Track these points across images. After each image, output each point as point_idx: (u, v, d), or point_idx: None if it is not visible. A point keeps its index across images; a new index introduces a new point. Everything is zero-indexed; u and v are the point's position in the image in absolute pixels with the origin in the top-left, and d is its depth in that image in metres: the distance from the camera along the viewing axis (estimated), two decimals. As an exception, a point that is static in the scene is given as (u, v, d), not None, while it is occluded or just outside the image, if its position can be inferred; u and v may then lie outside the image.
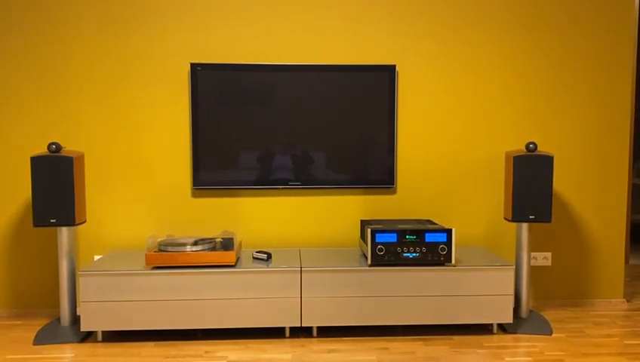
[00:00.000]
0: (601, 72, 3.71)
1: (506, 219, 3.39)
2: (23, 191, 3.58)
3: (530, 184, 3.23)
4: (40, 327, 3.38)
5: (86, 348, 3.10)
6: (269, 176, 3.60)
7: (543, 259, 3.79)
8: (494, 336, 3.24)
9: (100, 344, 3.15)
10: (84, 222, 3.28)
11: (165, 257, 3.16)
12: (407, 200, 3.72)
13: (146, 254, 3.15)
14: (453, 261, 3.21)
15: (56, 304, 3.63)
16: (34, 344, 3.15)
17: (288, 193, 3.68)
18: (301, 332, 3.31)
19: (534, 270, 3.80)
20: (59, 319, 3.29)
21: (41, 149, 3.57)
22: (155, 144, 3.60)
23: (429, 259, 3.20)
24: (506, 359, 2.92)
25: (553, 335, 3.27)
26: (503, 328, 3.35)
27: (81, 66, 3.55)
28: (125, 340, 3.20)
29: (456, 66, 3.67)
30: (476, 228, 3.75)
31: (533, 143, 3.24)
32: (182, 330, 3.30)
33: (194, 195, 3.64)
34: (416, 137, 3.69)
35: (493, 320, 3.24)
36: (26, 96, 3.54)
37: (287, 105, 3.58)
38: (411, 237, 3.20)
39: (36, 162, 3.08)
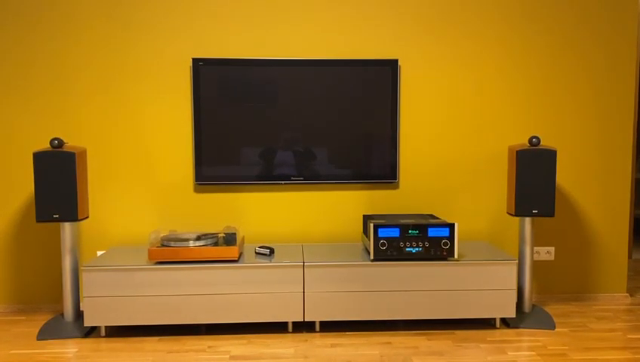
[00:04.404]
0: (604, 67, 3.69)
1: (509, 213, 3.39)
2: (25, 186, 3.58)
3: (534, 178, 3.22)
4: (43, 323, 3.38)
5: (89, 343, 3.11)
6: (271, 171, 3.60)
7: (546, 253, 3.78)
8: (497, 331, 3.24)
9: (103, 339, 3.16)
10: (87, 217, 3.29)
11: (168, 252, 3.16)
12: (410, 195, 3.71)
13: (148, 249, 3.16)
14: (455, 255, 3.21)
15: (60, 299, 3.64)
16: (38, 339, 3.16)
17: (291, 188, 3.67)
18: (304, 327, 3.31)
19: (537, 264, 3.80)
20: (62, 314, 3.30)
21: (44, 145, 3.57)
22: (158, 139, 3.60)
23: (432, 253, 3.20)
24: (509, 353, 2.92)
25: (556, 329, 3.27)
26: (505, 323, 3.34)
27: (83, 62, 3.54)
28: (129, 335, 3.21)
29: (459, 61, 3.66)
30: (479, 223, 3.75)
31: (536, 138, 3.24)
32: (185, 325, 3.31)
33: (196, 190, 3.64)
34: (418, 132, 3.68)
35: (496, 314, 3.24)
36: (27, 92, 3.54)
37: (290, 100, 3.57)
38: (414, 231, 3.19)
39: (39, 158, 3.08)
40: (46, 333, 3.19)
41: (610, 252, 3.80)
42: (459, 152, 3.71)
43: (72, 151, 3.11)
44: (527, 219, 3.35)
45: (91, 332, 3.26)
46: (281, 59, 3.55)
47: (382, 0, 3.60)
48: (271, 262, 3.19)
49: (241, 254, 3.36)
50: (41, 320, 3.47)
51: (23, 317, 3.53)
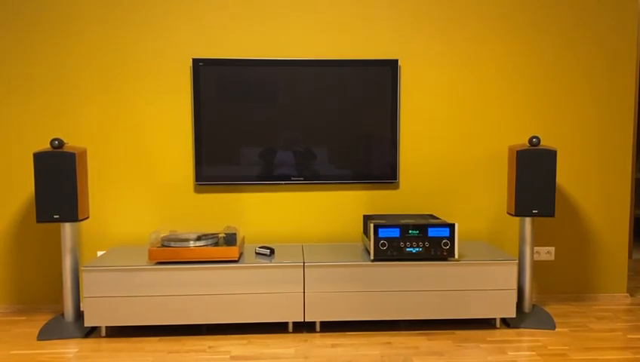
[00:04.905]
0: (604, 67, 3.69)
1: (509, 213, 3.39)
2: (25, 187, 3.58)
3: (534, 178, 3.23)
4: (44, 323, 3.39)
5: (90, 343, 3.11)
6: (271, 171, 3.60)
7: (546, 253, 3.78)
8: (497, 331, 3.24)
9: (103, 339, 3.16)
10: (87, 218, 3.29)
11: (168, 252, 3.16)
12: (410, 195, 3.71)
13: (149, 249, 3.16)
14: (456, 255, 3.21)
15: (60, 299, 3.64)
16: (38, 339, 3.16)
17: (291, 188, 3.67)
18: (304, 327, 3.31)
19: (537, 264, 3.80)
20: (63, 314, 3.30)
21: (44, 145, 3.57)
22: (158, 140, 3.60)
23: (432, 253, 3.20)
24: (509, 353, 2.92)
25: (556, 329, 3.27)
26: (506, 323, 3.35)
27: (83, 62, 3.54)
28: (129, 335, 3.21)
29: (459, 61, 3.66)
30: (479, 223, 3.75)
31: (536, 138, 3.24)
32: (185, 325, 3.31)
33: (197, 191, 3.64)
34: (418, 132, 3.69)
35: (497, 314, 3.24)
36: (27, 92, 3.54)
37: (290, 100, 3.57)
38: (414, 231, 3.19)
39: (39, 158, 3.08)
40: (46, 333, 3.19)
41: (610, 252, 3.80)
42: (459, 152, 3.71)
43: (72, 151, 3.11)
44: (528, 219, 3.35)
45: (92, 332, 3.26)
46: (281, 59, 3.56)
47: (382, 0, 3.60)
48: (271, 263, 3.19)
49: (241, 254, 3.36)
50: (41, 320, 3.47)
51: (24, 318, 3.53)
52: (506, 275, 3.22)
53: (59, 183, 3.09)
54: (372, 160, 3.63)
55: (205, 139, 3.55)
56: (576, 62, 3.68)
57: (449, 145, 3.70)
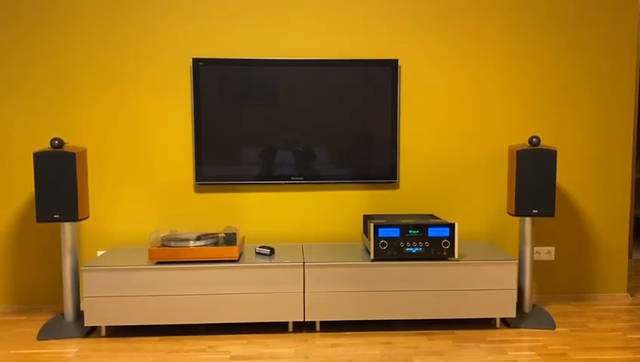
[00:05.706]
0: (604, 67, 3.69)
1: (509, 213, 3.39)
2: (26, 186, 3.58)
3: (534, 178, 3.23)
4: (44, 323, 3.38)
5: (90, 343, 3.11)
6: (271, 171, 3.60)
7: (546, 253, 3.78)
8: (497, 331, 3.24)
9: (103, 339, 3.16)
10: (87, 217, 3.29)
11: (168, 252, 3.16)
12: (410, 195, 3.71)
13: (149, 249, 3.16)
14: (456, 255, 3.21)
15: (60, 299, 3.64)
16: (38, 339, 3.16)
17: (291, 188, 3.67)
18: (304, 327, 3.31)
19: (537, 264, 3.80)
20: (63, 314, 3.30)
21: (44, 145, 3.57)
22: (158, 139, 3.60)
23: (432, 253, 3.20)
24: (509, 353, 2.92)
25: (556, 329, 3.27)
26: (506, 322, 3.34)
27: (83, 62, 3.54)
28: (129, 335, 3.21)
29: (459, 61, 3.66)
30: (479, 223, 3.75)
31: (536, 137, 3.24)
32: (185, 325, 3.31)
33: (197, 191, 3.64)
34: (418, 132, 3.69)
35: (496, 314, 3.24)
36: (27, 92, 3.54)
37: (290, 100, 3.57)
38: (414, 231, 3.19)
39: (39, 158, 3.08)
40: (46, 333, 3.19)
41: (610, 252, 3.80)
42: (459, 152, 3.71)
43: (72, 151, 3.11)
44: (528, 219, 3.35)
45: (91, 332, 3.26)
46: (281, 59, 3.56)
47: (382, 0, 3.60)
48: (271, 262, 3.19)
49: (241, 254, 3.36)
50: (41, 320, 3.47)
51: (24, 317, 3.53)
52: (505, 275, 3.22)
53: (59, 183, 3.09)
54: (372, 160, 3.63)
55: (205, 139, 3.55)
56: (576, 62, 3.68)
57: (449, 145, 3.70)
